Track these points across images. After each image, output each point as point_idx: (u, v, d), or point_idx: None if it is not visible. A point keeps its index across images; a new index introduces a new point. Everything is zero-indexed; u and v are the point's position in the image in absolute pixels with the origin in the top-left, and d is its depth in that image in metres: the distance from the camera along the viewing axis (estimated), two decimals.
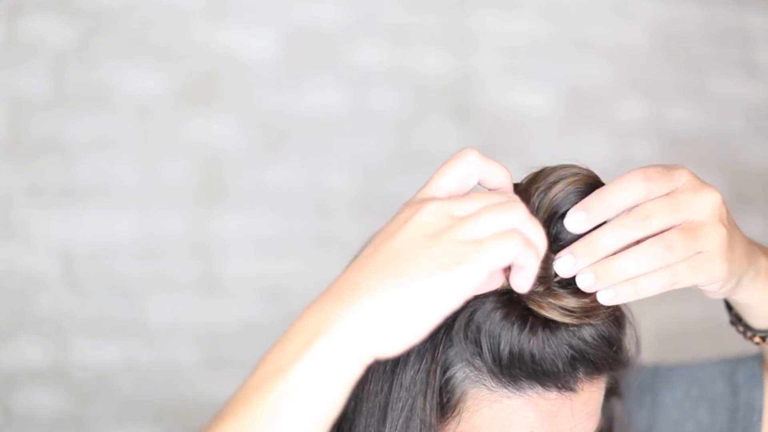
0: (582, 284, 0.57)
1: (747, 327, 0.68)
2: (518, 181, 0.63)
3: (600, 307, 0.58)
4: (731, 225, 0.59)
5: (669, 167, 0.58)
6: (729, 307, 0.70)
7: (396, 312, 0.47)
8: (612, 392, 0.75)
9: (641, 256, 0.55)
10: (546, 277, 0.58)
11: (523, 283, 0.52)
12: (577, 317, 0.58)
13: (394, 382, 0.63)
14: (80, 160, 1.55)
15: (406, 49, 1.70)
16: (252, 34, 1.64)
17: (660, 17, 1.83)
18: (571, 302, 0.58)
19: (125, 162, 1.58)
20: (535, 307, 0.58)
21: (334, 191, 1.67)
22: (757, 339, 0.67)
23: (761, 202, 1.87)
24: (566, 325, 0.59)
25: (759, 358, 0.76)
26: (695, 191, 0.58)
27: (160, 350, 1.59)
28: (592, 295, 0.57)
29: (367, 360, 0.48)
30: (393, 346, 0.48)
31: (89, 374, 1.56)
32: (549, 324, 0.59)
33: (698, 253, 0.56)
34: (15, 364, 1.53)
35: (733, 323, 0.70)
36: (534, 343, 0.59)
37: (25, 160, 1.53)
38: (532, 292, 0.57)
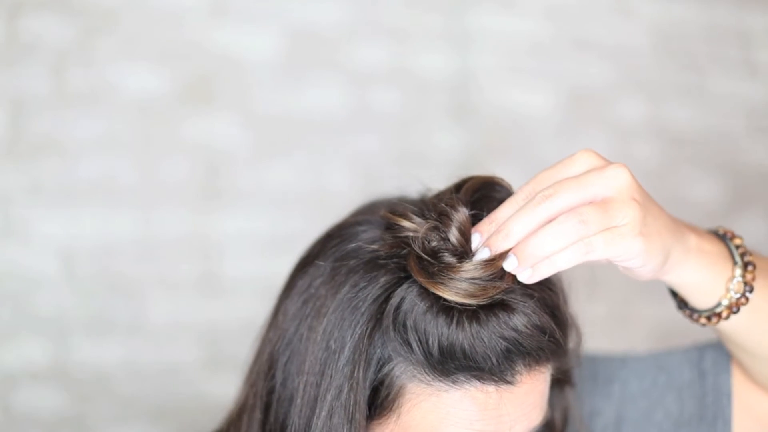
0: (508, 267, 0.58)
1: (693, 310, 0.67)
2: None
3: (498, 271, 0.59)
4: (646, 200, 0.59)
5: (570, 157, 0.61)
6: (674, 294, 0.70)
7: None
8: (563, 381, 0.74)
9: (557, 232, 0.56)
10: (463, 253, 0.60)
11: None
12: (478, 290, 0.58)
13: (325, 374, 0.62)
14: (80, 159, 1.55)
15: (407, 49, 1.70)
16: (252, 34, 1.64)
17: (660, 17, 1.83)
18: (473, 269, 0.58)
19: (125, 161, 1.58)
20: (431, 288, 0.59)
21: (334, 191, 1.66)
22: (702, 320, 0.66)
23: (761, 202, 1.87)
24: (482, 312, 0.59)
25: None
26: (601, 170, 0.58)
27: (160, 350, 1.59)
28: (495, 263, 0.58)
29: None
30: None
31: (89, 374, 1.56)
32: (476, 315, 0.59)
33: (613, 227, 0.57)
34: (15, 364, 1.53)
35: (680, 308, 0.69)
36: (463, 337, 0.58)
37: (25, 159, 1.53)
38: (434, 271, 0.59)
